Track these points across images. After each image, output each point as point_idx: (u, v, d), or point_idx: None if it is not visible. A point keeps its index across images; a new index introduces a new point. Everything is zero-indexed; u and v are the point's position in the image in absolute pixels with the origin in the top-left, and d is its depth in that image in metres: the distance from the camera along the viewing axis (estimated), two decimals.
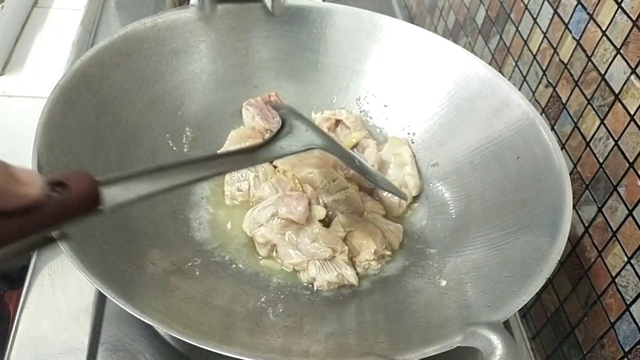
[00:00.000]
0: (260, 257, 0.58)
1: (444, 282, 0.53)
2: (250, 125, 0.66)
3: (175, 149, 0.63)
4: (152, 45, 0.63)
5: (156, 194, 0.36)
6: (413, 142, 0.68)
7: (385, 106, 0.70)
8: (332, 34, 0.70)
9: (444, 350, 0.41)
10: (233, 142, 0.63)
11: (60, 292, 0.56)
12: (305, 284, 0.56)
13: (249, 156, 0.46)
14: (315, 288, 0.55)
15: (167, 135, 0.63)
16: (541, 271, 0.46)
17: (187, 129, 0.65)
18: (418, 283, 0.55)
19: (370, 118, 0.71)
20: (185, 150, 0.64)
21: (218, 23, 0.68)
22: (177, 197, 0.60)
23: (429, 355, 0.41)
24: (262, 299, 0.53)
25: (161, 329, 0.43)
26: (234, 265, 0.56)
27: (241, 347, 0.42)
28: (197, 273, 0.53)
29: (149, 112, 0.62)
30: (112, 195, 0.33)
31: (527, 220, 0.53)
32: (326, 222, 0.59)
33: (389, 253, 0.58)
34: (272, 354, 0.42)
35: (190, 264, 0.53)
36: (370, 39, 0.70)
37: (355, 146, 0.66)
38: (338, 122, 0.68)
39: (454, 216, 0.61)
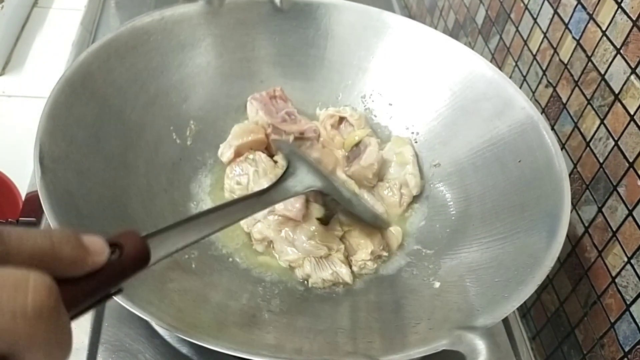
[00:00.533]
0: (258, 252, 0.58)
1: (437, 284, 0.53)
2: (253, 120, 0.66)
3: (179, 141, 0.64)
4: (159, 38, 0.64)
5: (189, 245, 0.39)
6: (416, 142, 0.67)
7: (390, 105, 0.70)
8: (340, 30, 0.70)
9: (429, 353, 0.41)
10: (236, 136, 0.64)
11: None
12: (300, 281, 0.56)
13: (259, 199, 0.48)
14: (309, 285, 0.56)
15: (171, 128, 0.64)
16: (533, 277, 0.46)
17: (192, 122, 0.65)
18: (412, 284, 0.55)
19: (375, 116, 0.71)
20: (188, 143, 0.64)
21: (226, 17, 0.68)
22: (178, 190, 0.61)
23: (414, 357, 0.41)
24: (256, 294, 0.53)
25: (155, 323, 0.43)
26: (230, 259, 0.57)
27: (230, 342, 0.41)
28: (194, 266, 0.53)
29: (153, 104, 0.62)
30: (160, 246, 0.35)
31: (524, 225, 0.53)
32: (324, 220, 0.59)
33: (386, 254, 0.58)
34: (262, 349, 0.42)
35: (187, 256, 0.54)
36: (378, 37, 0.70)
37: (357, 144, 0.66)
38: (342, 119, 0.68)
39: (452, 218, 0.60)
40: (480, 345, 0.39)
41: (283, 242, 0.56)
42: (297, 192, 0.51)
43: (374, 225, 0.58)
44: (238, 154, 0.63)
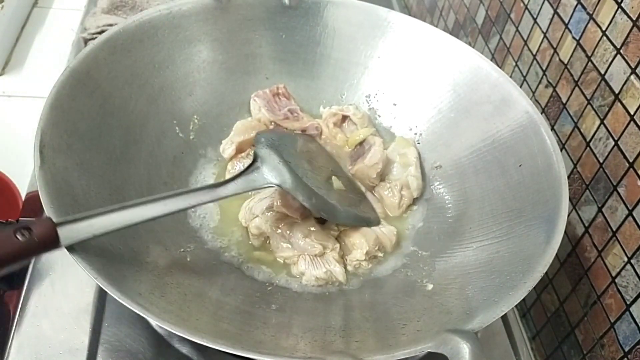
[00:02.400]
0: (254, 247, 0.58)
1: (430, 286, 0.53)
2: (256, 117, 0.67)
3: (181, 135, 0.64)
4: (166, 33, 0.64)
5: (116, 231, 0.43)
6: (419, 143, 0.67)
7: (395, 105, 0.70)
8: (347, 28, 0.70)
9: (414, 355, 0.41)
10: (238, 132, 0.64)
11: (60, 292, 0.56)
12: (294, 278, 0.56)
13: (211, 191, 0.49)
14: (303, 282, 0.56)
15: (175, 122, 0.64)
16: (525, 283, 0.46)
17: (195, 116, 0.66)
18: (405, 285, 0.55)
19: (379, 116, 0.71)
20: (191, 137, 0.65)
21: (233, 13, 0.68)
22: (178, 183, 0.61)
23: (399, 357, 0.41)
24: (248, 289, 0.53)
25: (150, 319, 0.43)
26: (226, 254, 0.57)
27: (226, 339, 0.41)
28: (189, 259, 0.54)
29: (158, 98, 0.63)
30: (75, 231, 0.41)
31: (520, 230, 0.52)
32: (321, 219, 0.59)
33: (381, 254, 0.58)
34: (257, 347, 0.42)
35: (182, 249, 0.54)
36: (384, 36, 0.70)
37: (361, 142, 0.66)
38: (345, 117, 0.68)
39: (450, 220, 0.60)
40: (464, 349, 0.39)
41: (279, 239, 0.57)
42: (255, 187, 0.52)
43: (361, 226, 0.58)
44: (240, 150, 0.64)
